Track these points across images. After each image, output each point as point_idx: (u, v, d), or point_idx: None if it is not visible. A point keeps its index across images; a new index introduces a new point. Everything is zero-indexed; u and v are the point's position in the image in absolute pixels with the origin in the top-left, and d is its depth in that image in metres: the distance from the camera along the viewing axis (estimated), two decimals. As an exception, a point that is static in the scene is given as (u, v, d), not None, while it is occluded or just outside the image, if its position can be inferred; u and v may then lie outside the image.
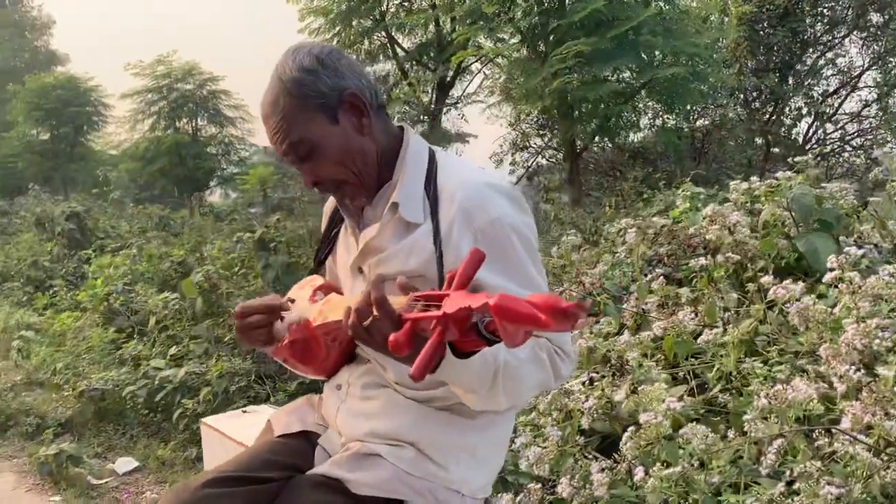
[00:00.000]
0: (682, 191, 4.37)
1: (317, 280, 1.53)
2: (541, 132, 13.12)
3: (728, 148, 12.53)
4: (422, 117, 11.83)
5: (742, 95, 13.14)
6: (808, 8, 12.68)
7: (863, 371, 1.81)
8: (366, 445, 1.35)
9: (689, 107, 10.77)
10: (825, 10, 12.91)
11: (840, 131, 13.98)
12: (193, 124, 20.59)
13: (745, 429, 2.05)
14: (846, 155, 13.70)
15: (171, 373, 4.86)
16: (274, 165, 18.81)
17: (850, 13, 12.91)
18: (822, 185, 3.71)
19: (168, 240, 11.13)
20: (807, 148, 13.93)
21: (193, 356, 5.25)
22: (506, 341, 0.90)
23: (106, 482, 4.08)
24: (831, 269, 2.18)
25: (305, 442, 1.45)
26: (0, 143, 26.14)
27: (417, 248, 1.30)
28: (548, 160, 13.54)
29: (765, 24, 12.51)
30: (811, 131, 13.86)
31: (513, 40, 10.67)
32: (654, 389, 2.02)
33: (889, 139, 12.91)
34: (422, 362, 0.94)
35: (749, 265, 3.37)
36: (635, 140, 11.82)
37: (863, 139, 13.49)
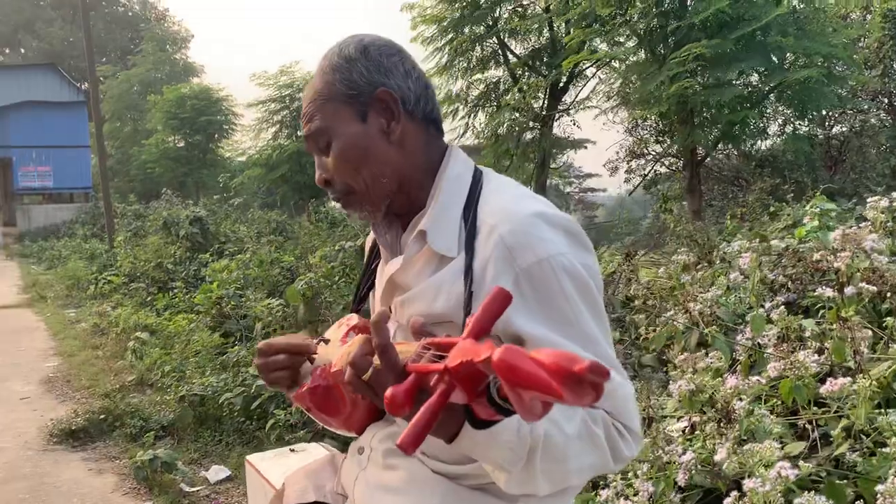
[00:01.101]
0: (812, 206, 3.91)
1: (353, 319, 1.34)
2: (659, 138, 12.52)
3: (869, 157, 11.48)
4: (531, 124, 11.55)
5: (886, 100, 12.02)
6: (966, 1, 11.45)
7: None
8: None
9: (824, 112, 9.93)
10: None
11: None
12: (313, 132, 21.19)
13: (879, 501, 1.71)
14: None
15: (267, 382, 4.88)
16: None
17: None
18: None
19: (281, 245, 11.43)
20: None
21: (291, 365, 5.25)
22: (519, 411, 0.66)
23: (198, 490, 4.10)
24: None
25: None
26: (141, 151, 28.04)
27: (445, 287, 1.09)
28: (667, 168, 12.90)
29: (914, 21, 11.40)
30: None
31: (629, 43, 10.23)
32: (763, 448, 1.71)
33: None
34: (413, 428, 0.73)
35: (889, 296, 2.93)
36: (763, 148, 11.06)
37: None
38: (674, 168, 12.50)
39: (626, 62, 10.26)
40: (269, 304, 6.37)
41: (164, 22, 39.05)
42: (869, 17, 11.81)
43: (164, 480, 4.07)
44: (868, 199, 3.51)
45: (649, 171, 12.91)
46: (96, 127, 15.64)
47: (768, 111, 10.13)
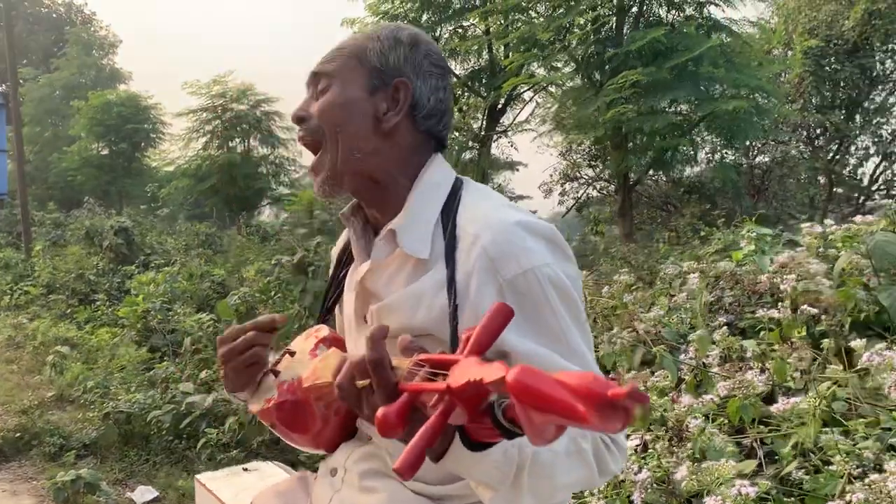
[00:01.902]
0: (747, 231, 4.03)
1: (322, 331, 1.27)
2: (592, 163, 12.80)
3: (789, 186, 12.02)
4: (471, 143, 11.62)
5: (805, 132, 12.64)
6: (878, 44, 12.18)
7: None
8: None
9: (748, 142, 10.36)
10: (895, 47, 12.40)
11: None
12: (246, 144, 20.84)
13: (830, 518, 1.74)
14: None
15: (198, 398, 4.70)
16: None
17: (923, 50, 12.39)
18: (907, 231, 3.35)
19: (211, 258, 11.12)
20: (873, 189, 13.34)
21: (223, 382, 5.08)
22: (530, 435, 0.63)
23: (122, 512, 3.90)
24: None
25: None
26: (62, 157, 26.91)
27: (426, 299, 1.04)
28: (598, 192, 13.19)
29: (831, 59, 12.05)
30: (878, 172, 13.25)
31: (566, 69, 10.44)
32: (721, 467, 1.72)
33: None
34: (411, 452, 0.68)
35: (823, 318, 3.03)
36: (691, 174, 11.43)
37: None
38: (605, 192, 12.81)
39: (563, 87, 10.46)
40: (200, 318, 6.16)
41: (90, 26, 37.74)
42: (790, 53, 12.43)
43: (87, 502, 3.85)
44: (802, 227, 3.65)
45: (582, 195, 13.19)
46: (15, 131, 14.93)
47: (698, 139, 10.50)
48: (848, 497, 1.55)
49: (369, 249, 1.17)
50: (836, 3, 12.19)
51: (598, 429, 0.55)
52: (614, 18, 9.41)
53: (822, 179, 12.21)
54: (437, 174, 1.13)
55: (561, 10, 9.39)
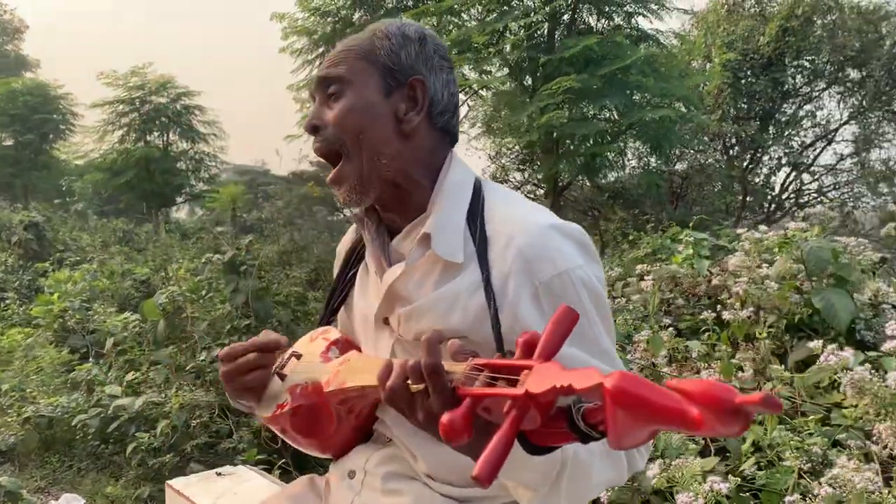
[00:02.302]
0: (685, 236, 4.17)
1: (331, 333, 1.23)
2: (521, 167, 12.99)
3: (706, 193, 12.52)
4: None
5: (722, 142, 13.19)
6: (789, 59, 12.82)
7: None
8: None
9: (670, 150, 10.74)
10: (806, 63, 13.07)
11: (817, 182, 14.10)
12: (164, 138, 20.11)
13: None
14: (820, 207, 13.79)
15: (126, 401, 4.50)
16: (245, 185, 18.43)
17: (829, 67, 13.10)
18: (836, 238, 3.54)
19: (131, 256, 10.70)
20: (783, 198, 14.02)
21: (152, 384, 4.89)
22: (613, 439, 0.63)
23: (47, 522, 3.70)
24: (892, 337, 1.96)
25: None
26: (-39, 147, 25.30)
27: (461, 301, 1.03)
28: (527, 196, 13.31)
29: (748, 73, 12.61)
30: (788, 181, 13.95)
31: (499, 73, 10.54)
32: (690, 465, 1.77)
33: (866, 193, 13.05)
34: (491, 458, 0.67)
35: (763, 320, 3.17)
36: (614, 180, 11.75)
37: (839, 192, 13.60)
38: (533, 196, 13.01)
39: (496, 91, 10.56)
40: (125, 318, 5.90)
41: (-7, 9, 35.68)
42: (709, 65, 12.93)
43: (7, 513, 3.63)
44: (739, 231, 3.79)
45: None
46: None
47: (625, 146, 10.81)
48: (816, 491, 1.62)
49: (385, 250, 1.14)
50: (753, 20, 12.77)
51: (711, 433, 0.55)
52: (546, 25, 9.57)
53: (737, 187, 12.75)
54: (459, 173, 1.12)
55: (494, 15, 9.49)
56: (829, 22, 12.62)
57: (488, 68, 11.15)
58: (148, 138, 19.65)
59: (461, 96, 12.50)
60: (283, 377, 1.15)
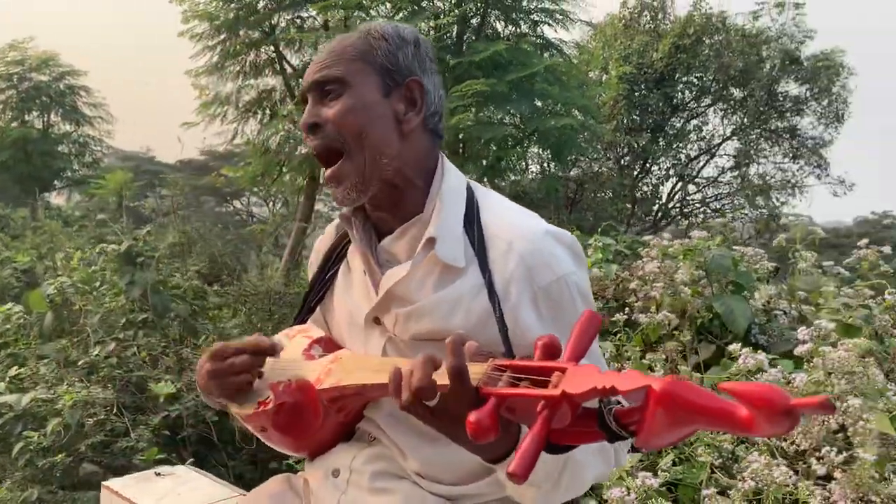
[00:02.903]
0: (594, 240, 4.34)
1: (312, 331, 1.22)
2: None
3: (599, 200, 13.02)
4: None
5: (615, 151, 13.75)
6: (680, 75, 13.52)
7: (840, 453, 1.74)
8: None
9: (569, 157, 11.11)
10: (695, 79, 13.83)
11: (700, 193, 14.95)
12: (45, 119, 18.89)
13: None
14: (701, 217, 14.61)
15: (12, 398, 4.23)
16: (133, 171, 17.57)
17: (714, 85, 13.90)
18: (735, 247, 3.78)
19: (7, 243, 10.00)
20: (669, 206, 14.77)
21: (40, 380, 4.61)
22: (644, 439, 0.68)
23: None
24: (803, 342, 2.12)
25: None
26: None
27: (464, 303, 1.07)
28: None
29: (642, 86, 13.20)
30: (674, 191, 14.70)
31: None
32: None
33: (745, 205, 13.94)
34: (526, 455, 0.70)
35: (668, 322, 3.34)
36: (515, 184, 12.02)
37: (720, 203, 14.49)
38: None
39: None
40: (9, 309, 5.53)
41: None
42: (605, 77, 13.46)
43: None
44: (645, 238, 3.98)
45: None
46: None
47: (528, 151, 11.08)
48: (740, 485, 1.73)
49: (373, 250, 1.15)
50: (648, 35, 13.39)
51: (758, 433, 0.60)
52: (456, 27, 9.66)
53: (627, 195, 13.33)
54: (454, 178, 1.15)
55: (404, 14, 9.48)
56: (715, 42, 13.41)
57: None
58: (26, 118, 18.40)
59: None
60: (260, 375, 1.13)
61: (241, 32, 10.92)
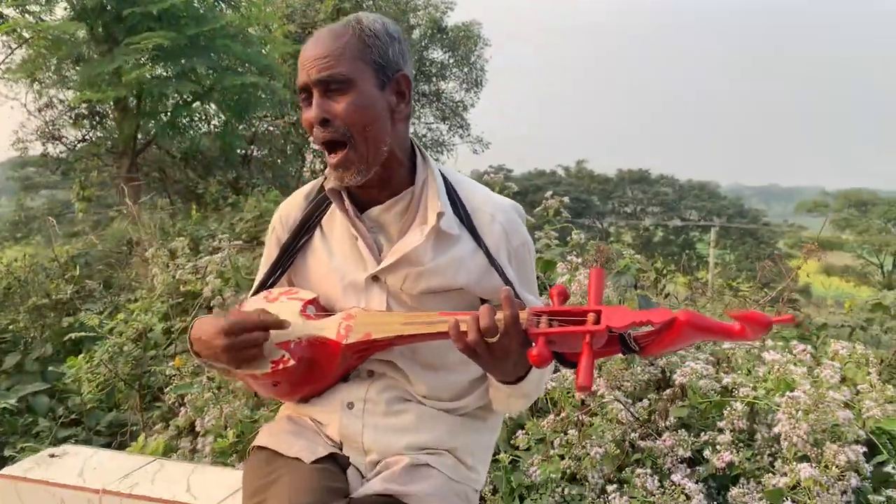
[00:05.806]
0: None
1: (300, 293, 1.39)
2: (79, 122, 11.71)
3: (274, 158, 13.10)
4: None
5: (287, 108, 13.87)
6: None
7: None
8: (415, 457, 1.33)
9: (250, 116, 10.95)
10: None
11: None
12: None
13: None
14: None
15: None
16: None
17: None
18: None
19: None
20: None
21: None
22: (651, 352, 1.08)
23: None
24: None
25: (332, 464, 1.32)
26: None
27: (465, 264, 1.33)
28: (84, 156, 12.12)
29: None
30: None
31: (56, 14, 9.34)
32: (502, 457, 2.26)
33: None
34: (586, 372, 1.02)
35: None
36: (189, 143, 11.48)
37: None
38: (96, 155, 11.88)
39: (54, 37, 9.33)
40: None
41: None
42: (268, 34, 13.39)
43: None
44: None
45: (69, 157, 11.92)
46: None
47: (209, 108, 10.64)
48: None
49: (356, 222, 1.36)
50: (309, -5, 13.63)
51: (745, 339, 1.00)
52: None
53: (307, 155, 13.60)
54: (430, 159, 1.40)
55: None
56: (372, 5, 14.18)
57: (34, 8, 9.84)
58: None
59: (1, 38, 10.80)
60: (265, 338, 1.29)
61: None
